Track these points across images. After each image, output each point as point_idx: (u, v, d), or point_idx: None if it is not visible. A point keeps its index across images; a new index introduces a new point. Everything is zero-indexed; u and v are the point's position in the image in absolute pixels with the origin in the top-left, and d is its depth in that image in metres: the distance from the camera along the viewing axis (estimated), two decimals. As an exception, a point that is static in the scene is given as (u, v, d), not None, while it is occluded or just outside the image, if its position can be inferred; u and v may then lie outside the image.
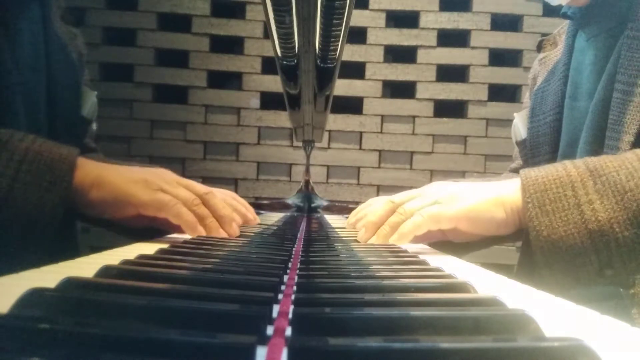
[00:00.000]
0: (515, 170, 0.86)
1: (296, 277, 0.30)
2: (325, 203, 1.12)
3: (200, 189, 0.54)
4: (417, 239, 0.54)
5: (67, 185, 0.45)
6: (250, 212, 0.70)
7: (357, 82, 1.76)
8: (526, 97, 0.85)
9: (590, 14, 0.64)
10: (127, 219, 0.52)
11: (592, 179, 0.45)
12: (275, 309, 0.22)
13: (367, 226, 0.56)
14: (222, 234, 0.53)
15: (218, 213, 0.54)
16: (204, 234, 0.52)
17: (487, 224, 0.51)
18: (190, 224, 0.50)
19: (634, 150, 0.48)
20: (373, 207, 0.62)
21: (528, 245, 0.60)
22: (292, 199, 1.12)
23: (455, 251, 0.59)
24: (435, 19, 1.75)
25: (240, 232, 0.56)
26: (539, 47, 0.82)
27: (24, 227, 0.44)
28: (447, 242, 0.59)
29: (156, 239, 0.51)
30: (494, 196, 0.51)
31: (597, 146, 0.59)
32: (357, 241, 0.56)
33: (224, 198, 0.67)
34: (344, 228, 0.74)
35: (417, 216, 0.51)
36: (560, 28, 0.78)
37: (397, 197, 0.56)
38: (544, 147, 0.73)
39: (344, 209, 1.16)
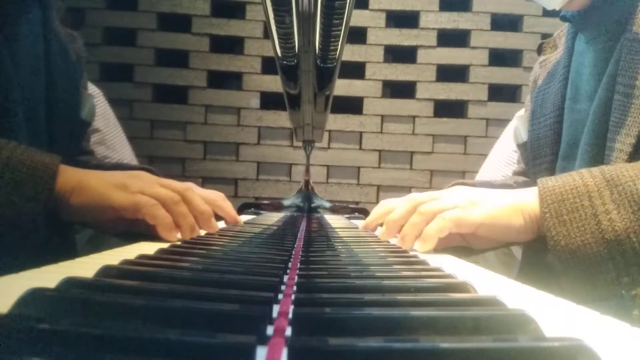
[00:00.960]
0: (518, 174, 0.86)
1: (296, 277, 0.30)
2: (325, 203, 1.12)
3: (179, 186, 0.54)
4: (439, 244, 0.53)
5: (50, 193, 0.46)
6: (235, 216, 0.70)
7: (357, 82, 1.76)
8: (527, 100, 0.84)
9: (589, 16, 0.64)
10: (107, 223, 0.52)
11: (609, 189, 0.46)
12: (275, 309, 0.22)
13: (388, 224, 0.57)
14: (197, 234, 0.53)
15: (198, 209, 0.54)
16: (177, 237, 0.51)
17: (506, 230, 0.51)
18: (166, 226, 0.50)
19: None
20: (395, 206, 0.62)
21: (532, 249, 0.59)
22: (292, 199, 1.12)
23: (459, 253, 0.58)
24: (435, 19, 1.75)
25: (240, 232, 0.56)
26: (539, 50, 0.82)
27: (6, 235, 0.44)
28: (460, 247, 0.58)
29: (156, 239, 0.51)
30: (513, 203, 0.51)
31: (598, 148, 0.59)
32: (357, 241, 0.56)
33: (207, 196, 0.66)
34: (344, 228, 0.74)
35: (439, 219, 0.51)
36: (560, 30, 0.78)
37: (419, 196, 0.57)
38: (544, 149, 0.73)
39: (344, 208, 1.16)
